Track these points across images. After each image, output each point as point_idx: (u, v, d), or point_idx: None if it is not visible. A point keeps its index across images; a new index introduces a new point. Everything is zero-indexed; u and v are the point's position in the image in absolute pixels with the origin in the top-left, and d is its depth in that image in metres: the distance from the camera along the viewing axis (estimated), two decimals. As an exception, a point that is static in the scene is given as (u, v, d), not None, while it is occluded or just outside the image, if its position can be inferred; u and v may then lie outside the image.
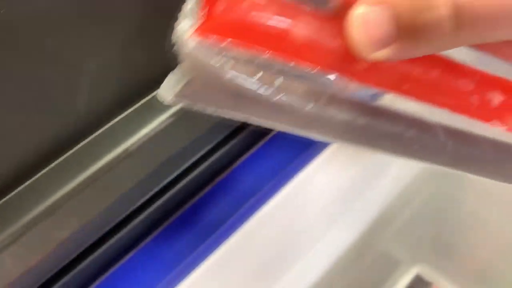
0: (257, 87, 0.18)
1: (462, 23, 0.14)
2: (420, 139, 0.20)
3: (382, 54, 0.16)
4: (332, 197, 0.42)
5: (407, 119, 0.20)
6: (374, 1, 0.15)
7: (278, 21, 0.17)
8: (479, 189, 0.61)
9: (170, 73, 0.18)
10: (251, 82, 0.18)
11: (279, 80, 0.18)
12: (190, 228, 0.30)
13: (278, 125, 0.20)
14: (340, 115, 0.19)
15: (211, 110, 0.19)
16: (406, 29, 0.15)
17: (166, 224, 0.29)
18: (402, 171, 0.53)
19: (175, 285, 0.29)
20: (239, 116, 0.19)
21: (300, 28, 0.17)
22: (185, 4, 0.17)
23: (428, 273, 0.73)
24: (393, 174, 0.52)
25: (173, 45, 0.17)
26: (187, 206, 0.30)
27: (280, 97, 0.18)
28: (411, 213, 0.60)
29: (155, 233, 0.29)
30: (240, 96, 0.18)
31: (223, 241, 0.32)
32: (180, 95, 0.18)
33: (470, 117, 0.21)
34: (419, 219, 0.64)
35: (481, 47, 0.19)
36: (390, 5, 0.15)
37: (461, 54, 0.20)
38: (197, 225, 0.30)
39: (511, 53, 0.19)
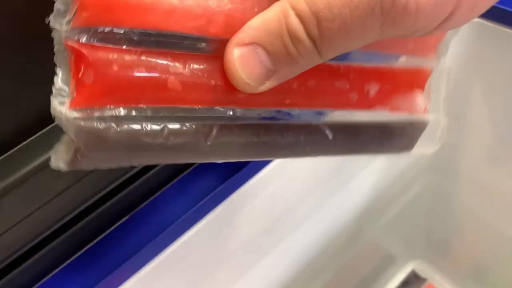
0: (147, 138, 0.18)
1: (324, 48, 0.17)
2: (311, 142, 0.22)
3: (266, 86, 0.18)
4: (317, 183, 0.43)
5: (294, 127, 0.22)
6: (245, 42, 0.17)
7: (152, 74, 0.18)
8: (473, 185, 0.61)
9: (57, 144, 0.18)
10: (140, 135, 0.18)
11: (167, 126, 0.18)
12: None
13: (181, 161, 0.20)
14: (234, 140, 0.20)
15: (110, 166, 0.19)
16: (282, 62, 0.18)
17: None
18: (392, 162, 0.54)
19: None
20: (138, 164, 0.20)
21: (177, 74, 0.18)
22: (54, 80, 0.17)
23: (423, 269, 0.72)
24: (382, 165, 0.53)
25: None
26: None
27: (173, 141, 0.19)
28: (403, 206, 0.60)
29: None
30: (132, 150, 0.18)
31: (198, 219, 0.32)
32: (72, 164, 0.18)
33: (353, 109, 0.22)
34: (412, 213, 0.64)
35: None
36: (261, 44, 0.17)
37: None
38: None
39: (377, 45, 0.21)
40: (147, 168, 0.30)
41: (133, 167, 0.29)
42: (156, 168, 0.31)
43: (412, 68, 0.24)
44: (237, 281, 0.42)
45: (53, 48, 0.17)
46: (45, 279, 0.28)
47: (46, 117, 0.23)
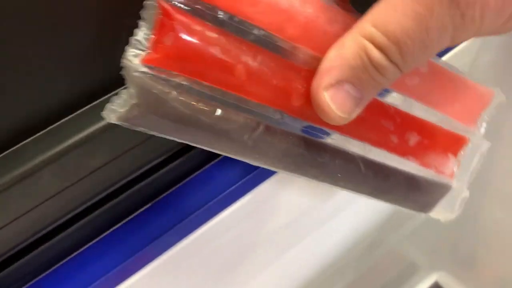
0: (199, 114, 0.19)
1: (406, 66, 0.19)
2: (343, 169, 0.23)
3: (355, 112, 0.20)
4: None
5: (332, 150, 0.22)
6: (332, 83, 0.19)
7: (224, 56, 0.18)
8: (501, 197, 0.60)
9: (115, 96, 0.18)
10: (193, 109, 0.19)
11: (219, 109, 0.19)
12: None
13: (222, 151, 0.21)
14: (275, 143, 0.21)
15: (153, 133, 0.20)
16: (369, 88, 0.19)
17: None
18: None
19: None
20: (180, 140, 0.20)
21: (245, 64, 0.19)
22: (135, 31, 0.18)
23: (447, 282, 0.72)
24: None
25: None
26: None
27: (221, 125, 0.19)
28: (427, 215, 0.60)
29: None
30: (182, 122, 0.19)
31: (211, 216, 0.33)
32: (123, 118, 0.18)
33: (389, 151, 0.23)
34: (437, 223, 0.64)
35: (405, 91, 0.23)
36: (348, 80, 0.19)
37: (390, 98, 0.23)
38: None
39: (426, 95, 0.23)
40: (176, 155, 0.31)
41: (164, 152, 0.30)
42: (184, 157, 0.31)
43: (453, 132, 0.25)
44: (256, 276, 0.42)
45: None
46: (80, 250, 0.29)
47: (86, 96, 0.24)
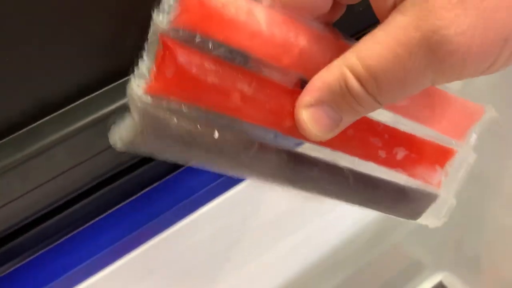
0: (198, 137, 0.20)
1: (383, 99, 0.20)
2: (333, 182, 0.24)
3: (334, 132, 0.21)
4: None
5: (322, 164, 0.24)
6: (312, 103, 0.20)
7: (221, 84, 0.20)
8: (509, 199, 0.60)
9: (119, 121, 0.20)
10: (193, 132, 0.20)
11: (217, 131, 0.21)
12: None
13: (223, 169, 0.23)
14: (270, 159, 0.23)
15: (159, 155, 0.21)
16: (347, 113, 0.20)
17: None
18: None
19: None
20: (180, 161, 0.22)
21: (241, 90, 0.20)
22: (139, 64, 0.19)
23: (452, 282, 0.72)
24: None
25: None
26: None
27: (219, 145, 0.21)
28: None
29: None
30: (183, 145, 0.21)
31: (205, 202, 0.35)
32: (129, 144, 0.20)
33: (378, 164, 0.25)
34: (445, 222, 0.64)
35: (394, 109, 0.24)
36: (327, 103, 0.20)
37: (379, 115, 0.24)
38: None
39: (415, 113, 0.24)
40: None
41: None
42: None
43: (440, 145, 0.26)
44: (253, 265, 0.44)
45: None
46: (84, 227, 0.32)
47: (98, 81, 0.26)
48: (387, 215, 0.28)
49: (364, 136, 0.24)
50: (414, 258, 0.68)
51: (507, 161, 0.56)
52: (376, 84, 0.19)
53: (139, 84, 0.19)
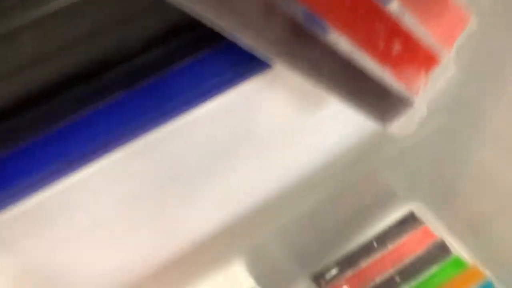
0: None
1: None
2: (330, 66, 0.25)
3: None
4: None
5: (323, 46, 0.24)
6: None
7: None
8: (490, 135, 0.60)
9: None
10: None
11: None
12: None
13: (223, 25, 0.22)
14: (274, 25, 0.22)
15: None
16: None
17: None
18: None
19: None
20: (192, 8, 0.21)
21: None
22: None
23: (423, 212, 0.72)
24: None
25: None
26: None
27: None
28: (412, 143, 0.59)
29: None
30: None
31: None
32: None
33: (372, 57, 0.25)
34: (420, 153, 0.63)
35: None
36: None
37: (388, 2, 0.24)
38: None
39: (417, 6, 0.24)
40: (158, 42, 0.32)
41: (152, 35, 0.30)
42: (168, 45, 0.32)
43: (430, 50, 0.26)
44: (233, 175, 0.44)
45: None
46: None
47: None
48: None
49: (372, 19, 0.24)
50: (388, 187, 0.68)
51: (496, 102, 0.56)
52: None
53: None
